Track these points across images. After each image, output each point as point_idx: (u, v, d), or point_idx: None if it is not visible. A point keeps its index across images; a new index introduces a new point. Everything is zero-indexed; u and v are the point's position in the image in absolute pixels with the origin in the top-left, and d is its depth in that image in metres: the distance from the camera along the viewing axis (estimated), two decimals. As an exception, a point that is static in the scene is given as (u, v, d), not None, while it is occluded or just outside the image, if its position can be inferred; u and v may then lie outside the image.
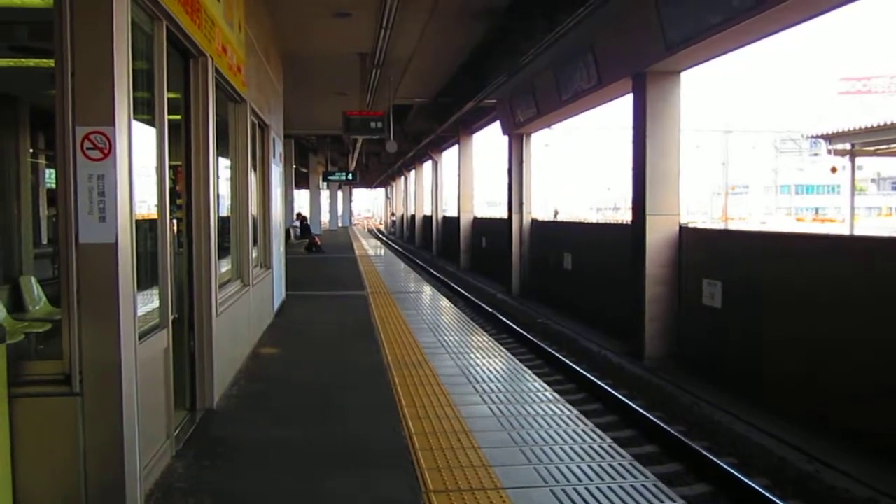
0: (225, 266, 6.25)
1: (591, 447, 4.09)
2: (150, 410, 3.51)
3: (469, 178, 22.96)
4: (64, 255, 2.93)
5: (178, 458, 3.96)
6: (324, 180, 30.01)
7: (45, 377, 2.98)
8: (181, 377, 4.53)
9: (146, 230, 3.74)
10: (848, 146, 16.35)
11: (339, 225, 43.50)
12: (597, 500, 3.39)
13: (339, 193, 44.71)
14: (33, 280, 5.60)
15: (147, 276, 3.70)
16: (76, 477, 2.96)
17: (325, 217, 39.49)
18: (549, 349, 10.42)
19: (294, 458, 4.01)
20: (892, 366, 5.91)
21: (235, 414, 4.88)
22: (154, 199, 3.81)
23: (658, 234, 9.34)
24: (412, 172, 36.35)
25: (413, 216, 36.94)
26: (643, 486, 3.54)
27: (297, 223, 25.17)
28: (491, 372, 5.88)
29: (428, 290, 11.96)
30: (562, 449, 4.05)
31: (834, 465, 5.68)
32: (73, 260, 2.92)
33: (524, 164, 16.35)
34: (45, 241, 6.83)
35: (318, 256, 19.20)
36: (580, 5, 7.87)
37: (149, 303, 3.78)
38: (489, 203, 56.33)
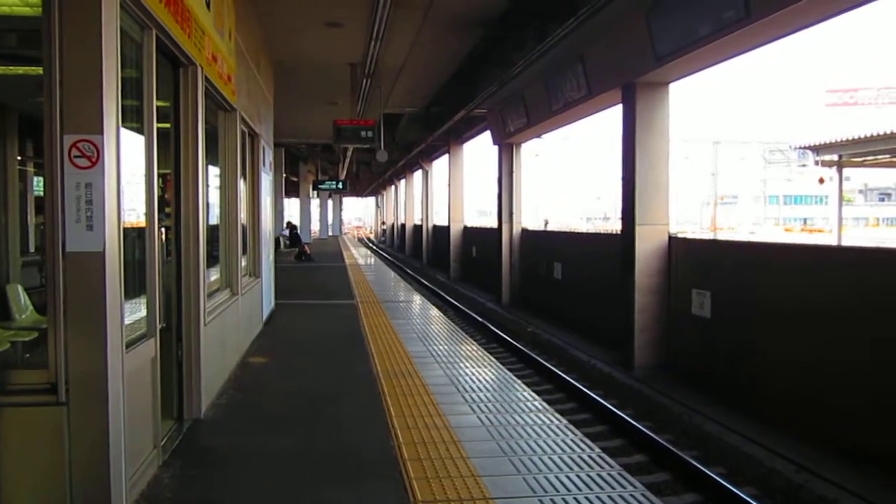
0: (214, 275, 6.22)
1: (580, 457, 4.09)
2: (136, 420, 3.48)
3: (459, 188, 22.99)
4: (51, 263, 2.92)
5: (165, 467, 3.93)
6: (314, 189, 30.00)
7: (30, 386, 2.96)
8: (168, 386, 4.50)
9: (134, 239, 3.73)
10: (835, 157, 16.51)
11: (330, 234, 43.40)
12: (585, 509, 3.39)
13: (330, 202, 44.65)
14: (20, 288, 5.56)
15: (134, 285, 3.69)
16: (62, 486, 2.94)
17: (315, 226, 39.39)
18: (539, 359, 10.42)
19: (282, 467, 3.99)
20: (884, 378, 5.94)
21: (223, 424, 4.85)
22: (142, 208, 3.80)
23: (647, 244, 9.39)
24: (403, 182, 36.35)
25: (403, 225, 36.91)
26: (631, 495, 3.55)
27: (287, 232, 25.13)
28: (480, 382, 5.87)
29: (418, 299, 11.95)
30: (550, 459, 4.05)
31: (825, 475, 5.70)
32: (59, 268, 2.90)
33: (514, 174, 16.39)
34: (32, 248, 6.79)
35: (307, 265, 19.14)
36: (571, 16, 7.93)
37: (136, 311, 3.76)
38: (480, 212, 56.54)
